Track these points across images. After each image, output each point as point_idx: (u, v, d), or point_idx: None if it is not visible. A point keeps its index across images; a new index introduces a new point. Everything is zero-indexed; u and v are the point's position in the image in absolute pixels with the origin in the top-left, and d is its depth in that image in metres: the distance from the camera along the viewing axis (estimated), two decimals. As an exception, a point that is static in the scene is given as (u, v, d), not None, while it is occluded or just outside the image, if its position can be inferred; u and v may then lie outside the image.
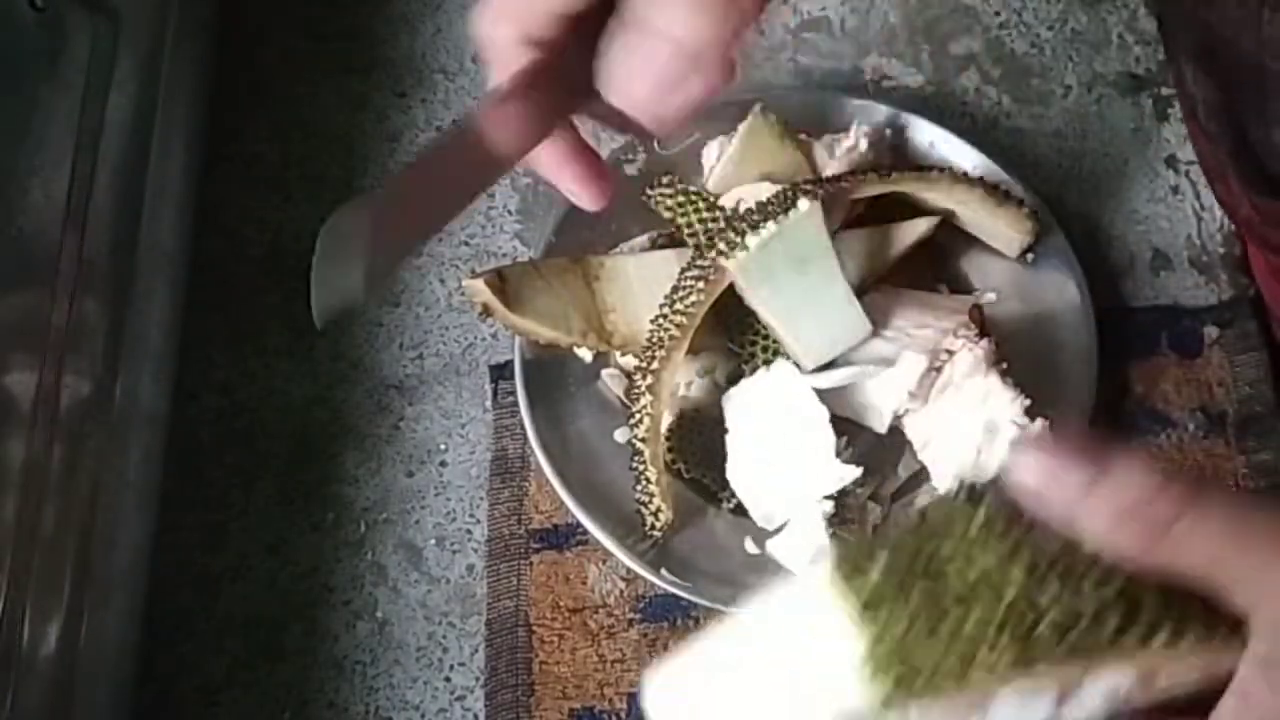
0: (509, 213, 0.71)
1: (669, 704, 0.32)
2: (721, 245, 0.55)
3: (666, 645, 0.60)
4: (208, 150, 0.70)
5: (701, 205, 0.61)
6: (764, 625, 0.31)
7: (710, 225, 0.61)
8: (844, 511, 0.58)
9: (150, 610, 0.60)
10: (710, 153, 0.66)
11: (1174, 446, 0.63)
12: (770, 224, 0.55)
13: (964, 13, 0.76)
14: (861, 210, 0.64)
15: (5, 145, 0.53)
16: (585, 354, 0.63)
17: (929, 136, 0.67)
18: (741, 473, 0.59)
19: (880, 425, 0.60)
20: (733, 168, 0.63)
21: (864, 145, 0.64)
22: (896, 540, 0.30)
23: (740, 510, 0.60)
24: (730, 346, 0.62)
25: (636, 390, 0.57)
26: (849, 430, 0.60)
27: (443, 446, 0.66)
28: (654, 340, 0.57)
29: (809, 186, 0.57)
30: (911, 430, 0.59)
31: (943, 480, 0.58)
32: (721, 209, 0.62)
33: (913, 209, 0.64)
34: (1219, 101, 0.59)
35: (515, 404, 0.62)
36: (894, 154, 0.67)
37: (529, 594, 0.61)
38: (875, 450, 0.60)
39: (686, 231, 0.62)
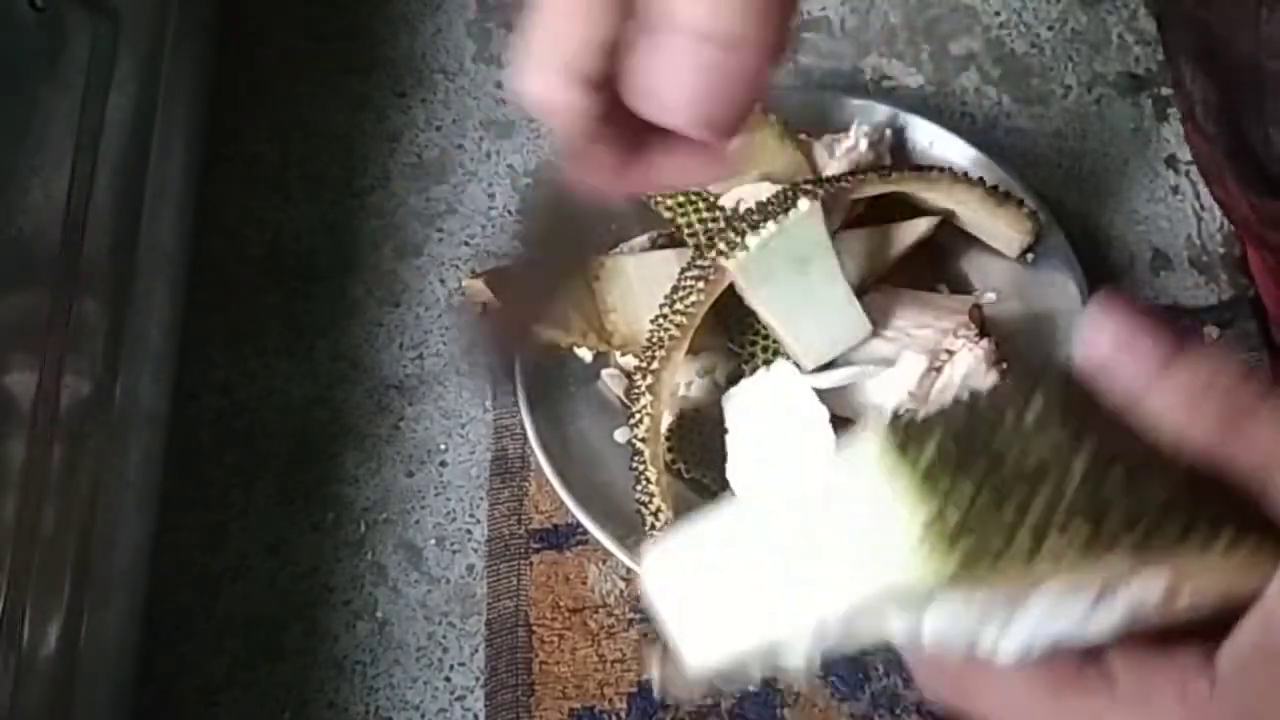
0: (509, 213, 0.71)
1: (672, 580, 0.29)
2: (721, 245, 0.55)
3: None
4: (208, 150, 0.70)
5: (701, 205, 0.62)
6: (795, 495, 0.27)
7: (710, 225, 0.61)
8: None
9: (150, 610, 0.60)
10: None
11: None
12: (770, 224, 0.55)
13: (964, 13, 0.76)
14: (861, 210, 0.64)
15: (5, 145, 0.53)
16: (585, 354, 0.63)
17: (929, 136, 0.67)
18: (741, 473, 0.59)
19: (880, 425, 0.60)
20: (733, 168, 0.63)
21: (864, 145, 0.64)
22: (950, 416, 0.27)
23: (740, 510, 0.59)
24: (730, 346, 0.62)
25: (636, 390, 0.57)
26: (849, 430, 0.60)
27: (443, 446, 0.66)
28: (654, 340, 0.57)
29: (809, 186, 0.57)
30: (912, 430, 0.59)
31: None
32: (721, 209, 0.62)
33: (913, 209, 0.64)
34: (1217, 101, 0.59)
35: (515, 404, 0.62)
36: (894, 154, 0.67)
37: (529, 594, 0.61)
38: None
39: (686, 231, 0.62)
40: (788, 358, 0.59)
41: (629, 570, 0.60)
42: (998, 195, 0.63)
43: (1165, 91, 0.72)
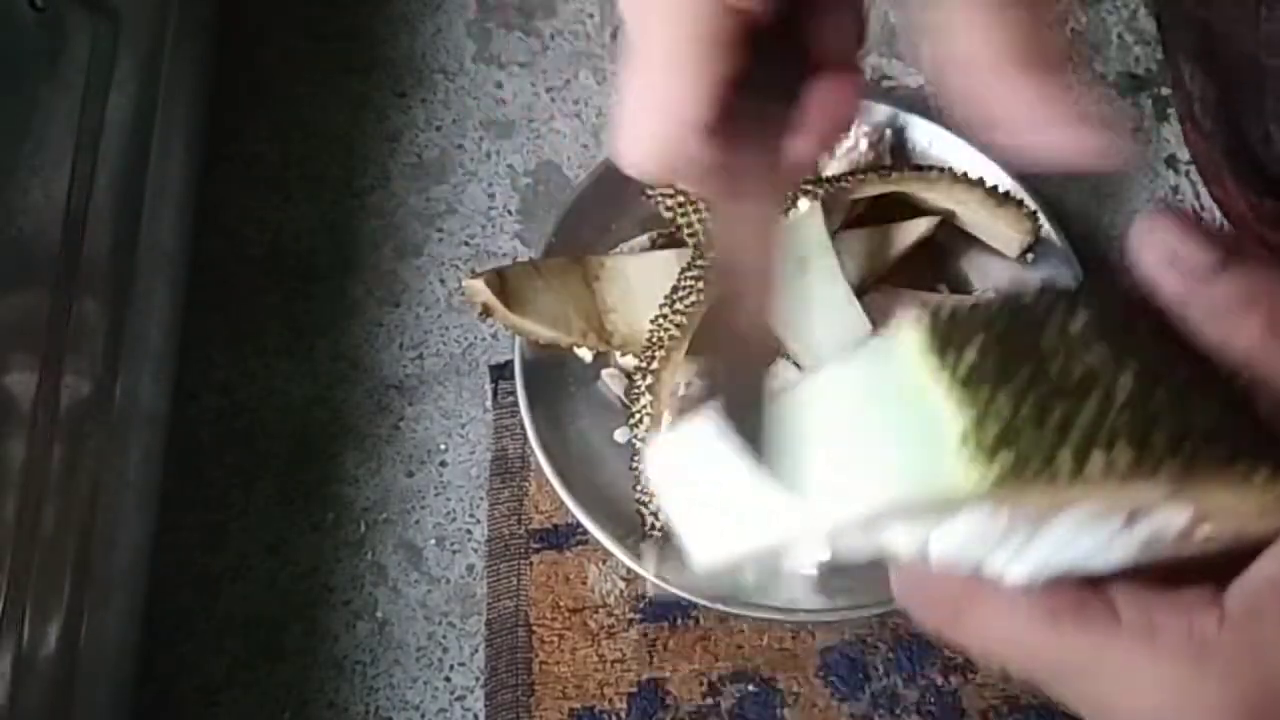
0: (509, 213, 0.71)
1: (681, 471, 0.27)
2: (721, 245, 0.55)
3: (667, 645, 0.60)
4: (208, 150, 0.70)
5: (702, 205, 0.62)
6: (821, 393, 0.26)
7: (710, 225, 0.61)
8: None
9: (150, 610, 0.60)
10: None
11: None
12: (770, 224, 0.55)
13: (964, 13, 0.76)
14: (861, 210, 0.64)
15: (5, 145, 0.53)
16: (585, 354, 0.63)
17: (929, 136, 0.67)
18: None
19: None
20: (733, 168, 0.63)
21: (864, 145, 0.64)
22: (993, 316, 0.25)
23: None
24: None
25: (636, 390, 0.57)
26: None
27: (443, 446, 0.66)
28: (654, 340, 0.57)
29: (809, 186, 0.57)
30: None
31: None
32: (721, 209, 0.62)
33: (913, 209, 0.64)
34: (1216, 99, 0.59)
35: (515, 404, 0.62)
36: (894, 154, 0.67)
37: (529, 594, 0.61)
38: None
39: (686, 231, 0.62)
40: (788, 358, 0.60)
41: (629, 570, 0.60)
42: (998, 195, 0.63)
43: (1165, 91, 0.72)
